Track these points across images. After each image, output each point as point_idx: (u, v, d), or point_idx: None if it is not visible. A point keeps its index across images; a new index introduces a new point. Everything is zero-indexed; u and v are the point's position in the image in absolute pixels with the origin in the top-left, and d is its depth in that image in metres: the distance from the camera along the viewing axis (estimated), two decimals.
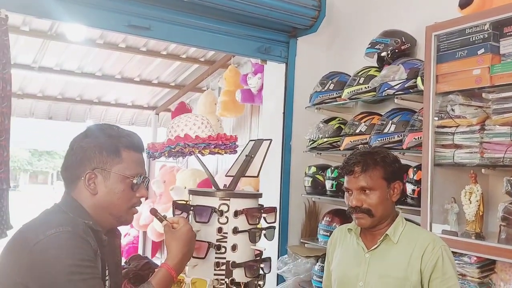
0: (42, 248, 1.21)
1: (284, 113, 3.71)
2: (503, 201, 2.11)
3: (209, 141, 1.52)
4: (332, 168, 3.28)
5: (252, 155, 1.70)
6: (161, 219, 1.44)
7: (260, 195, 1.65)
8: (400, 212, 1.81)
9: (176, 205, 1.56)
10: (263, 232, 1.57)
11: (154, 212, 1.44)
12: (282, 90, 3.75)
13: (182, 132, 1.51)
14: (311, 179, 3.44)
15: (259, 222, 1.58)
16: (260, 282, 1.56)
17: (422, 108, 2.71)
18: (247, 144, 1.79)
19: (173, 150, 1.51)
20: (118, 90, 6.01)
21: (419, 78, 2.67)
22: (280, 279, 3.49)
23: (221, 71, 5.24)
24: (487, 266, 2.14)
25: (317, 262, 3.33)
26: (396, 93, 2.83)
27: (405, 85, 2.80)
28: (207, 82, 5.49)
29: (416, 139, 2.61)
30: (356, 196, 1.72)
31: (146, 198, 6.11)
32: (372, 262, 1.74)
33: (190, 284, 1.46)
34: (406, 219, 1.84)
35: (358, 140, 3.08)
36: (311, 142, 3.40)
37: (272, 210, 1.63)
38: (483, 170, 2.21)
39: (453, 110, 2.31)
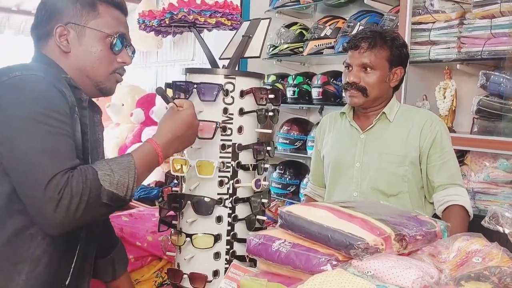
0: (1, 91, 1.03)
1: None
2: (477, 95, 2.17)
3: (216, 9, 1.33)
4: (294, 76, 3.20)
5: (250, 35, 1.55)
6: (167, 100, 1.23)
7: (263, 76, 1.53)
8: (394, 94, 1.79)
9: (175, 86, 1.38)
10: (269, 114, 1.46)
11: (161, 91, 1.22)
12: None
13: None
14: (270, 87, 3.34)
15: (266, 104, 1.47)
16: (267, 165, 1.48)
17: (393, 8, 2.67)
18: (240, 26, 1.62)
19: (175, 17, 1.30)
20: None
21: None
22: None
23: None
24: (458, 159, 2.23)
25: (275, 170, 3.34)
26: None
27: None
28: None
29: None
30: (355, 72, 1.68)
31: None
32: (368, 142, 1.72)
33: (196, 166, 1.33)
34: None
35: (323, 44, 3.00)
36: (272, 48, 3.27)
37: (277, 91, 1.52)
38: (458, 66, 2.25)
39: (432, 5, 2.28)
